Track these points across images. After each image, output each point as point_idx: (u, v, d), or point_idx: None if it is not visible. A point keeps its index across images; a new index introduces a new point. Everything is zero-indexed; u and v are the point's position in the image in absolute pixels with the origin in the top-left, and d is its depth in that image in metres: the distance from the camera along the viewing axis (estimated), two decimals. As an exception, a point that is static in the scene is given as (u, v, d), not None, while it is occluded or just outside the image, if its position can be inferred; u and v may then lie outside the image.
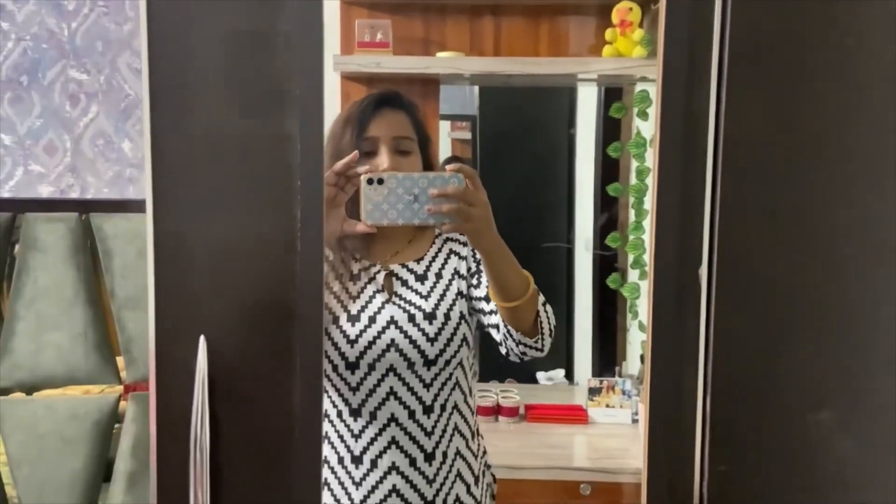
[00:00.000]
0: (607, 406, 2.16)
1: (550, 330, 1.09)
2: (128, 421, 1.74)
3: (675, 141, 0.68)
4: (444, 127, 2.44)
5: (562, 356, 2.52)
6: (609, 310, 2.47)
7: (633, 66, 2.07)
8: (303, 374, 0.67)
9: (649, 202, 1.31)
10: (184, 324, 0.68)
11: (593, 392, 2.18)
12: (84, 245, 1.73)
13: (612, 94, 2.35)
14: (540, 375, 2.51)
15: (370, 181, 0.91)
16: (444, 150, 2.39)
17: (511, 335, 1.07)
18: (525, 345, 1.08)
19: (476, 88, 2.49)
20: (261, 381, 0.69)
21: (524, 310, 1.04)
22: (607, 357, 2.48)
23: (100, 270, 1.74)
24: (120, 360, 1.78)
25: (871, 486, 0.68)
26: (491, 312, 1.11)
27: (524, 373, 2.46)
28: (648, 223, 1.39)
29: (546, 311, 1.09)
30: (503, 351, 1.13)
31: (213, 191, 0.68)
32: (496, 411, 2.19)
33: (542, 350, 1.10)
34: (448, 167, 0.94)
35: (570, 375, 2.52)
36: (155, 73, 0.67)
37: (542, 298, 1.09)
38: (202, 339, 0.65)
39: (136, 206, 1.78)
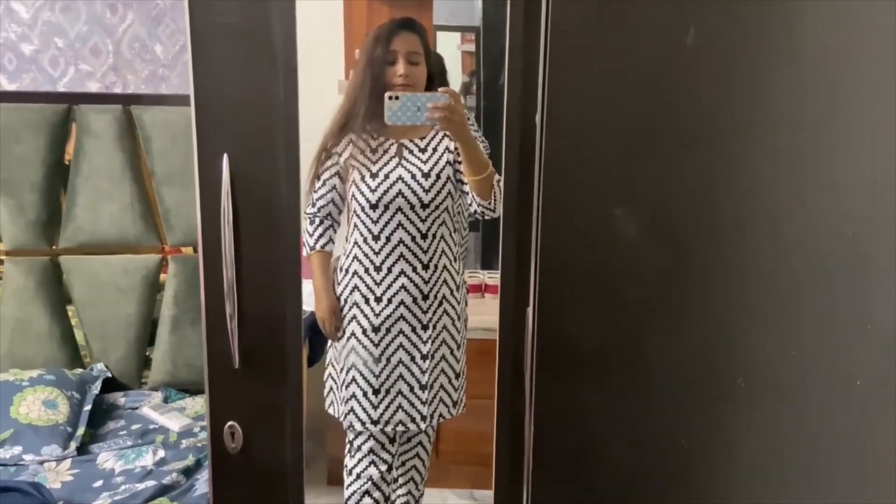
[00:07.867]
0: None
1: (501, 198, 1.53)
2: (170, 276, 2.11)
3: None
4: (455, 39, 2.58)
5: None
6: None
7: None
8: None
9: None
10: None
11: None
12: (128, 132, 2.05)
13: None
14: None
15: (390, 97, 1.32)
16: (453, 61, 2.52)
17: (475, 199, 1.54)
18: (483, 207, 1.54)
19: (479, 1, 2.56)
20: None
21: (483, 183, 1.51)
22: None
23: (141, 153, 2.07)
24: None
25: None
26: (466, 184, 1.57)
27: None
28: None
29: (499, 186, 1.51)
30: (472, 209, 1.58)
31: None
32: (482, 289, 2.53)
33: (494, 211, 1.54)
34: (440, 89, 1.38)
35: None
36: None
37: (497, 177, 1.52)
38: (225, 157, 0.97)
39: (170, 100, 2.09)
